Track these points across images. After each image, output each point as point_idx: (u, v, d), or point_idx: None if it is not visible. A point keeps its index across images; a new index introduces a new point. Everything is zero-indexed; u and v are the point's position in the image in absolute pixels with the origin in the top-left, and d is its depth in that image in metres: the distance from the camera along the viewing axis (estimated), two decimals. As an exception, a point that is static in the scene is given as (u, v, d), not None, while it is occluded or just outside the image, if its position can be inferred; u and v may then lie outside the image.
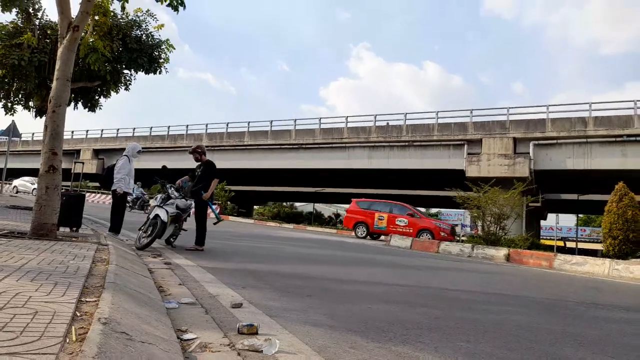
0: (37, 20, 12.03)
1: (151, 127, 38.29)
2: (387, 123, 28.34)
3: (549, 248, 22.68)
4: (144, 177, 24.79)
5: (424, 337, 2.99)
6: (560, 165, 23.58)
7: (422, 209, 47.50)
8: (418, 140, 26.95)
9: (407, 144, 27.34)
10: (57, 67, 6.09)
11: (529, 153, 23.71)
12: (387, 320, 3.41)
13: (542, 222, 42.76)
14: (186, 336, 2.49)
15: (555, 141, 23.61)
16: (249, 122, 33.23)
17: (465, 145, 25.48)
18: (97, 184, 39.93)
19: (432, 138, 26.55)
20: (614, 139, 22.18)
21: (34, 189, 32.93)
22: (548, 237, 41.21)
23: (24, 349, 1.68)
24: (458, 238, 20.15)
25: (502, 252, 13.78)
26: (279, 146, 31.68)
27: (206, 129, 35.21)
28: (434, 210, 47.64)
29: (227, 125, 34.26)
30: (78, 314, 2.28)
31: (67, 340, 1.85)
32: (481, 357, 2.66)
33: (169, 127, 37.18)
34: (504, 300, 5.45)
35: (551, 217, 42.61)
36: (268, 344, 2.38)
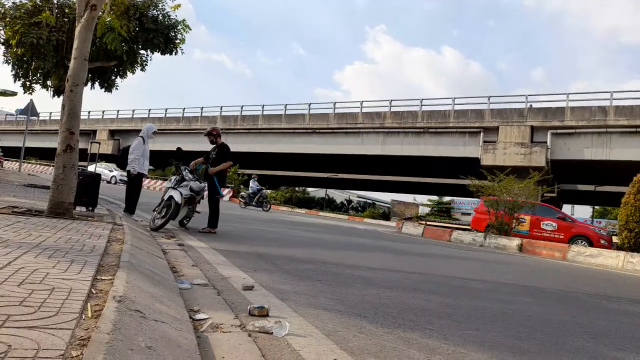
0: (56, -1, 12.07)
1: (166, 109, 38.54)
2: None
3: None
4: (158, 158, 25.00)
5: (434, 324, 3.00)
6: (578, 155, 23.20)
7: (435, 197, 47.30)
8: (433, 126, 26.70)
9: (422, 130, 27.12)
10: (74, 46, 6.12)
11: (546, 142, 23.36)
12: (396, 306, 3.42)
13: (557, 213, 42.24)
14: (198, 316, 2.54)
15: (574, 130, 23.20)
16: (263, 105, 33.22)
17: (482, 133, 25.18)
18: (113, 165, 40.42)
19: (448, 125, 26.27)
20: (634, 129, 21.72)
21: (113, 176, 31.92)
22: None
23: (41, 323, 1.73)
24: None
25: (515, 242, 13.70)
26: (292, 130, 31.64)
27: (221, 112, 35.28)
28: (447, 199, 47.35)
29: (242, 108, 34.29)
30: (94, 292, 2.32)
31: (83, 317, 1.90)
32: (490, 345, 2.66)
33: (184, 109, 37.38)
34: (515, 290, 5.43)
35: (566, 208, 42.12)
36: (278, 326, 2.41)
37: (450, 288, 4.80)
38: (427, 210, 46.81)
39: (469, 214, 37.61)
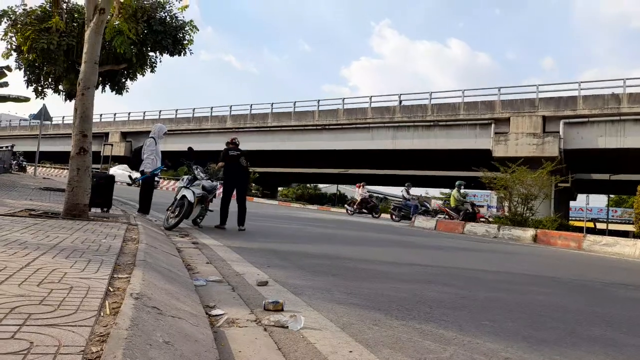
0: (65, 4, 12.21)
1: (176, 110, 38.71)
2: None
3: (579, 229, 22.18)
4: (170, 158, 25.18)
5: (449, 315, 3.00)
6: (592, 144, 22.88)
7: (447, 190, 46.97)
8: (443, 119, 26.50)
9: (432, 123, 26.93)
10: (84, 50, 6.19)
11: (558, 132, 23.06)
12: (411, 299, 3.42)
13: (572, 203, 41.78)
14: (214, 312, 2.56)
15: (586, 119, 22.87)
16: (272, 103, 33.27)
17: (493, 125, 24.93)
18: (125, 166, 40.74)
19: (458, 117, 26.05)
20: (649, 117, 21.37)
21: (136, 178, 31.06)
22: (577, 218, 40.28)
23: (61, 320, 1.76)
24: (484, 219, 19.65)
25: (529, 232, 13.58)
26: (302, 127, 31.63)
27: (230, 111, 35.37)
28: (459, 191, 47.04)
29: (251, 107, 34.35)
30: (111, 290, 2.36)
31: (102, 314, 1.93)
32: (506, 335, 2.65)
33: (194, 109, 37.53)
34: (530, 280, 5.39)
35: (581, 197, 41.56)
36: (293, 320, 2.43)
37: (465, 280, 4.78)
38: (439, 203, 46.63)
39: (482, 206, 37.28)
